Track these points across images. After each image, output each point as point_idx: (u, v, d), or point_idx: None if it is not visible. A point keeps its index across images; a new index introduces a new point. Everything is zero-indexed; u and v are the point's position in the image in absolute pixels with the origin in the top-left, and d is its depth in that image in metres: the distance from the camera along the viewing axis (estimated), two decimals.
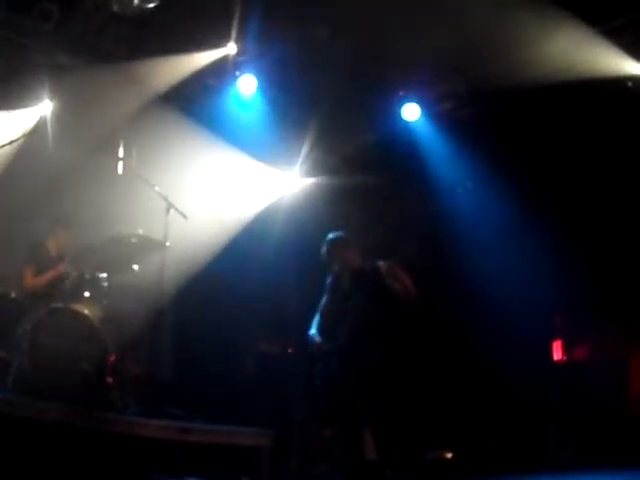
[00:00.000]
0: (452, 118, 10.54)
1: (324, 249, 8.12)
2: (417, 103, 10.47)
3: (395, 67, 9.87)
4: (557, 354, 11.66)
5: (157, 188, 8.82)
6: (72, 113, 9.59)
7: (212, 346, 10.07)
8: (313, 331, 8.07)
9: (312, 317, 8.12)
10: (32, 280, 8.97)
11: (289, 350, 10.71)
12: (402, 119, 10.56)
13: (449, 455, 10.41)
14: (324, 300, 8.15)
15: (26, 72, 9.68)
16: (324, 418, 9.28)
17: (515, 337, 10.47)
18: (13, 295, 8.86)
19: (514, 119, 10.18)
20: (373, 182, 10.94)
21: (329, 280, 8.15)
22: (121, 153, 8.84)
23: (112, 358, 8.43)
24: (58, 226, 9.22)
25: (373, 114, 10.63)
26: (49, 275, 8.92)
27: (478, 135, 10.27)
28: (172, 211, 8.76)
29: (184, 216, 8.82)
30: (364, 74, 10.01)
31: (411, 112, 10.53)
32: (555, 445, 10.52)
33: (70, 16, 9.40)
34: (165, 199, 8.75)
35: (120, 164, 8.84)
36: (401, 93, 10.48)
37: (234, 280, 10.11)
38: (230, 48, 9.96)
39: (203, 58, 9.86)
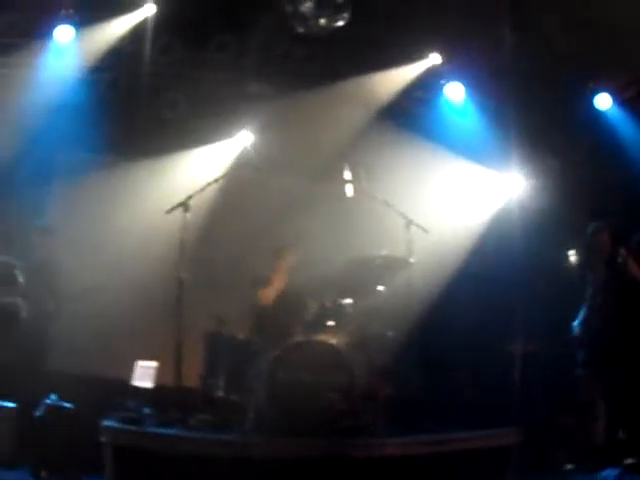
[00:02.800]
0: None
1: (588, 240, 8.24)
2: (608, 92, 10.37)
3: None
4: None
5: (393, 205, 8.63)
6: (278, 141, 9.74)
7: (460, 357, 9.93)
8: (575, 322, 8.46)
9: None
10: (266, 294, 8.92)
11: (531, 349, 10.42)
12: (595, 109, 10.45)
13: None
14: (588, 290, 8.31)
15: (218, 105, 10.03)
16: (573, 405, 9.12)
17: None
18: (241, 337, 8.87)
19: None
20: (587, 175, 10.67)
21: (591, 270, 8.29)
22: (348, 175, 8.65)
23: (360, 383, 8.22)
24: (283, 250, 9.15)
25: (571, 109, 10.50)
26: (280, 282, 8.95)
27: None
28: (412, 227, 8.55)
29: (425, 230, 8.55)
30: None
31: (603, 101, 10.44)
32: None
33: (249, 44, 9.79)
34: (404, 216, 8.52)
35: (348, 187, 8.66)
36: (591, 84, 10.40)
37: (479, 286, 9.93)
38: (434, 59, 10.07)
39: (409, 72, 9.99)
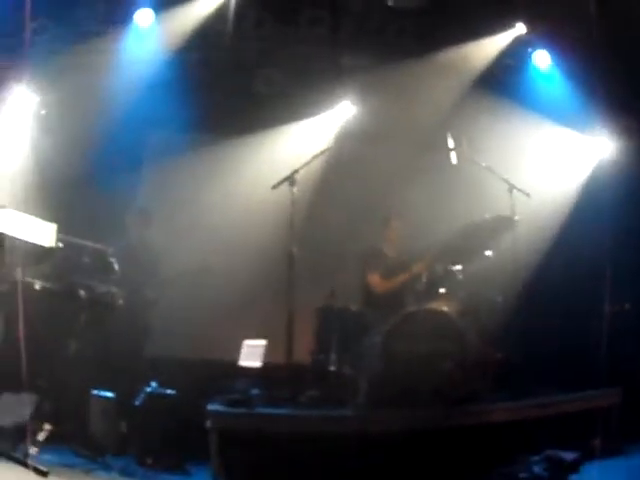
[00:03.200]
0: None
1: None
2: None
3: None
4: None
5: (496, 171, 8.68)
6: (378, 112, 9.70)
7: (563, 321, 9.75)
8: None
9: None
10: (383, 285, 8.90)
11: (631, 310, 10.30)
12: None
13: None
14: None
15: (314, 79, 9.97)
16: None
17: None
18: (353, 308, 8.83)
19: None
20: None
21: None
22: (451, 143, 8.64)
23: (472, 350, 8.14)
24: (391, 221, 9.19)
25: None
26: (401, 278, 8.81)
27: None
28: (514, 192, 8.59)
29: (527, 194, 8.61)
30: None
31: None
32: None
33: (343, 19, 9.71)
34: (506, 181, 8.58)
35: (452, 154, 8.63)
36: None
37: (578, 249, 9.71)
38: (520, 28, 9.96)
39: (497, 41, 9.92)
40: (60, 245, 6.80)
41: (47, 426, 6.92)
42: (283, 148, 10.09)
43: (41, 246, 6.48)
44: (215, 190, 10.11)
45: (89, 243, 7.93)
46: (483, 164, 8.73)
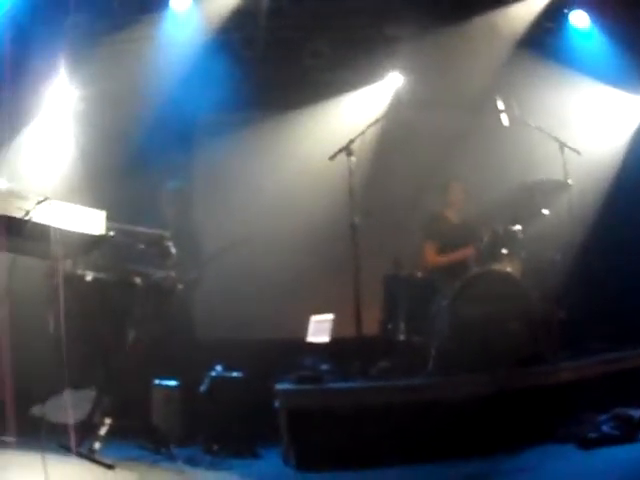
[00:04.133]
0: None
1: None
2: None
3: None
4: None
5: (546, 130, 8.73)
6: (427, 79, 9.65)
7: (622, 277, 9.53)
8: None
9: None
10: (435, 259, 9.00)
11: None
12: None
13: None
14: None
15: (360, 50, 9.99)
16: None
17: None
18: (419, 275, 8.84)
19: None
20: None
21: None
22: (501, 105, 8.65)
23: (536, 310, 8.14)
24: (452, 185, 9.26)
25: None
26: (455, 256, 8.90)
27: None
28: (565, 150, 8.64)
29: (578, 152, 8.66)
30: None
31: None
32: None
33: None
34: (557, 139, 8.64)
35: (503, 116, 8.64)
36: None
37: (630, 206, 9.60)
38: None
39: (535, 3, 9.86)
40: (111, 233, 6.61)
41: (108, 420, 6.93)
42: (336, 120, 10.08)
43: (91, 235, 6.32)
44: (270, 166, 10.15)
45: (143, 229, 7.79)
46: (533, 125, 8.74)
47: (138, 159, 9.66)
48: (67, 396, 6.60)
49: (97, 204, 6.50)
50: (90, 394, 7.28)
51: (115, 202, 7.43)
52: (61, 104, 9.58)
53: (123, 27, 9.66)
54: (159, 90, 9.55)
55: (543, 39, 10.11)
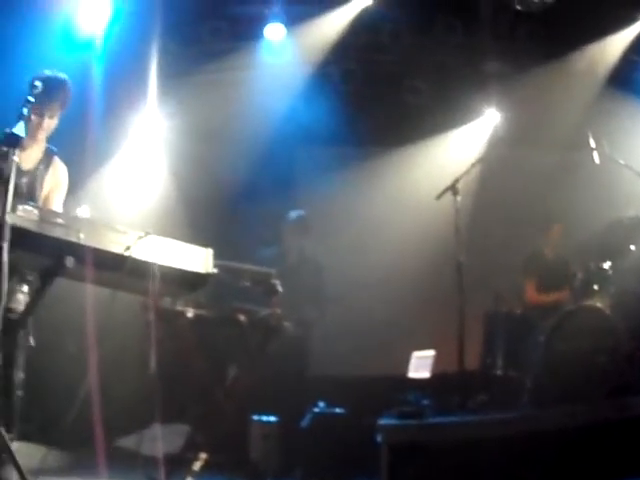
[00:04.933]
0: None
1: None
2: None
3: None
4: None
5: (635, 168, 8.76)
6: (522, 117, 9.84)
7: None
8: None
9: None
10: (535, 297, 9.39)
11: None
12: None
13: None
14: None
15: (457, 87, 10.19)
16: None
17: None
18: (518, 311, 9.28)
19: None
20: None
21: None
22: (592, 143, 8.73)
23: (624, 344, 8.20)
24: (553, 225, 9.59)
25: None
26: (554, 297, 9.26)
27: None
28: None
29: None
30: None
31: None
32: None
33: (475, 25, 9.86)
34: None
35: (595, 154, 8.71)
36: None
37: None
38: None
39: (622, 38, 9.96)
40: (215, 270, 6.28)
41: (203, 455, 7.04)
42: (435, 157, 10.39)
43: (197, 273, 5.95)
44: (371, 201, 10.38)
45: (249, 266, 7.89)
46: (622, 162, 8.82)
47: (240, 191, 9.92)
48: (159, 429, 6.70)
49: (194, 239, 6.19)
50: (183, 428, 7.60)
51: (213, 238, 7.07)
52: (150, 134, 9.77)
53: (214, 56, 9.80)
54: (253, 121, 9.68)
55: (631, 74, 10.22)
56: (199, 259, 5.84)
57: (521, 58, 9.92)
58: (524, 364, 8.51)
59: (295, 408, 8.37)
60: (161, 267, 5.54)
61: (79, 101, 6.51)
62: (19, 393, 5.50)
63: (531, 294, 9.43)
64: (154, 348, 6.72)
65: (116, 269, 5.45)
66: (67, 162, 6.25)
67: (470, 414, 8.02)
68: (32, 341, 5.76)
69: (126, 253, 5.42)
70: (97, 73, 8.76)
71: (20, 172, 5.68)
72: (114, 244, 5.42)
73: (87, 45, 8.88)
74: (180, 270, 5.72)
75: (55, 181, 6.20)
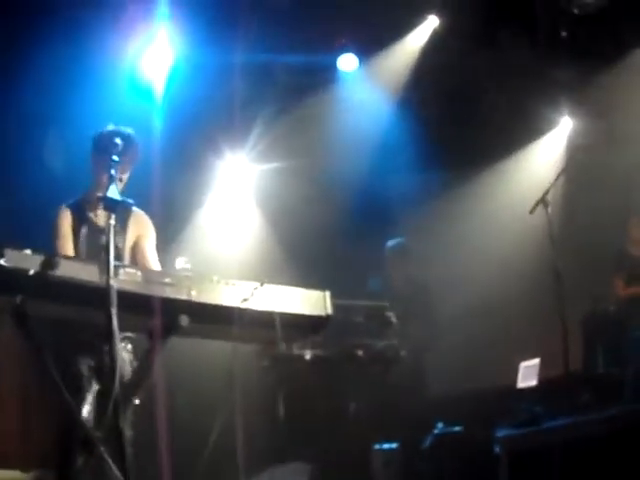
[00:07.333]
0: None
1: None
2: None
3: None
4: None
5: None
6: (595, 121, 10.15)
7: None
8: None
9: None
10: (624, 291, 9.56)
11: None
12: None
13: None
14: None
15: (531, 98, 10.21)
16: None
17: None
18: (612, 308, 9.51)
19: None
20: None
21: None
22: None
23: None
24: (631, 220, 9.78)
25: None
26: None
27: None
28: None
29: None
30: None
31: None
32: None
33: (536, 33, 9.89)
34: None
35: None
36: None
37: None
38: None
39: None
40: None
41: None
42: (521, 172, 10.61)
43: (317, 316, 5.81)
44: (472, 225, 10.57)
45: (364, 302, 8.20)
46: None
47: (340, 228, 10.05)
48: (275, 470, 7.01)
49: (299, 282, 6.09)
50: (304, 467, 7.52)
51: (317, 278, 6.97)
52: (238, 179, 9.97)
53: (290, 94, 9.88)
54: (339, 154, 9.85)
55: None
56: (317, 302, 5.74)
57: (585, 61, 9.94)
58: (624, 360, 8.56)
59: (415, 432, 8.38)
60: (282, 315, 5.43)
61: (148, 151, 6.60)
62: (129, 450, 5.31)
63: (621, 289, 9.61)
64: (280, 393, 7.16)
65: (231, 322, 5.34)
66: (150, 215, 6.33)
67: (578, 414, 7.93)
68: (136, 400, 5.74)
69: (243, 305, 5.30)
70: (162, 122, 8.59)
71: (100, 230, 5.86)
72: (227, 297, 5.29)
73: (151, 93, 8.79)
74: (301, 315, 5.62)
75: (139, 230, 6.27)
